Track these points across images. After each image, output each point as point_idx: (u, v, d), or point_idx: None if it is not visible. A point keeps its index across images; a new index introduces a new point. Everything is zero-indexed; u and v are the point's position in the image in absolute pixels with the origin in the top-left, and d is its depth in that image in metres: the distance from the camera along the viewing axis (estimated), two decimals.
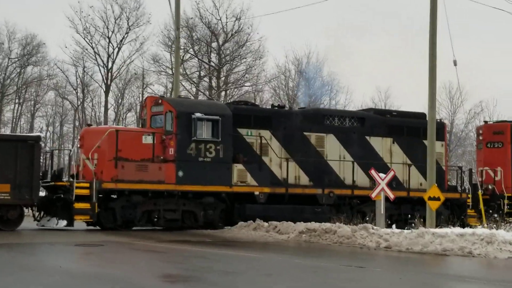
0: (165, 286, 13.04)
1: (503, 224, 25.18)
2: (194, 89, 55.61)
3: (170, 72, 54.44)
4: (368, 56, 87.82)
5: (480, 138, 34.67)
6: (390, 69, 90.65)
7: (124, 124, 61.21)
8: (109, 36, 58.42)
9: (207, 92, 54.50)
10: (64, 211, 25.52)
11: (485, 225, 25.50)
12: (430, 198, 25.39)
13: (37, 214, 26.16)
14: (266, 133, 28.76)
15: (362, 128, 30.71)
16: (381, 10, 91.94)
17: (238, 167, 27.78)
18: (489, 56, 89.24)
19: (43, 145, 60.48)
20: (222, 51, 55.26)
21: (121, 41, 58.86)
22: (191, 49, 55.39)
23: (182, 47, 50.07)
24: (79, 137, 28.58)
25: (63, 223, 25.35)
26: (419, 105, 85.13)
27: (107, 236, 23.10)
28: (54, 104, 67.26)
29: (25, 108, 65.58)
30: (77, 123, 62.73)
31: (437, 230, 22.00)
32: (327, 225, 24.03)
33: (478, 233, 20.76)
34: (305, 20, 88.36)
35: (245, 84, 57.83)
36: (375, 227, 23.07)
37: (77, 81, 62.96)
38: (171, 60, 54.01)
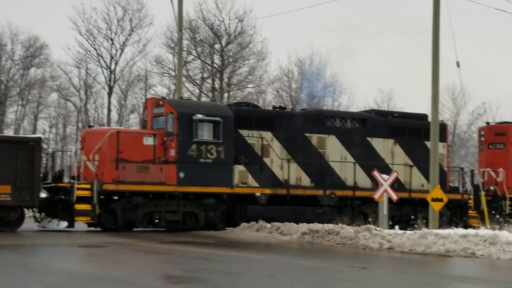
0: (168, 287, 13.08)
1: (506, 225, 25.17)
2: (197, 91, 55.63)
3: (173, 73, 54.43)
4: (370, 57, 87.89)
5: (482, 139, 34.64)
6: (393, 70, 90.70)
7: (127, 125, 61.14)
8: (112, 37, 58.38)
9: (210, 94, 54.52)
10: (64, 212, 25.55)
11: (488, 226, 25.48)
12: (433, 199, 25.41)
13: (38, 215, 26.19)
14: (268, 135, 28.76)
15: (364, 129, 30.69)
16: (383, 10, 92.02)
17: (239, 168, 27.78)
18: (485, 55, 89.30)
19: (46, 146, 60.82)
20: (225, 53, 55.25)
21: (124, 42, 58.81)
22: (194, 51, 55.40)
23: (185, 49, 50.18)
24: (80, 139, 28.61)
25: (63, 224, 25.37)
26: (422, 106, 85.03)
27: (109, 237, 23.11)
28: (57, 106, 67.16)
29: (28, 109, 65.50)
30: (80, 125, 62.68)
31: (440, 231, 22.03)
32: (330, 226, 24.06)
33: (481, 234, 20.79)
34: (308, 21, 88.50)
35: (248, 86, 57.82)
36: (378, 228, 23.11)
37: (80, 83, 63.01)
38: (174, 61, 54.04)
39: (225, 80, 55.58)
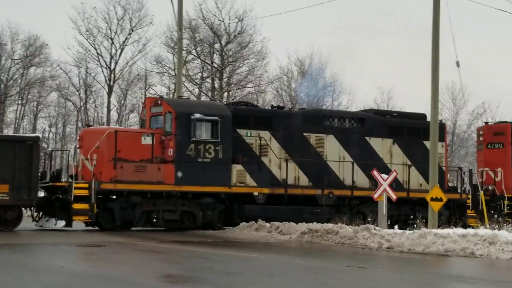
0: (166, 286, 13.06)
1: (505, 224, 25.17)
2: (196, 90, 55.58)
3: (172, 73, 54.43)
4: (370, 57, 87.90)
5: (481, 139, 34.64)
6: (394, 70, 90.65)
7: (127, 125, 61.16)
8: (112, 37, 58.39)
9: (209, 93, 54.47)
10: (62, 211, 25.54)
11: (487, 226, 25.48)
12: (432, 199, 25.36)
13: (35, 214, 26.20)
14: (266, 134, 28.74)
15: (362, 129, 30.68)
16: (382, 10, 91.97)
17: (237, 168, 27.77)
18: (484, 54, 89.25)
19: (45, 146, 60.88)
20: (225, 52, 55.23)
21: (124, 42, 58.80)
22: (194, 50, 55.36)
23: (184, 48, 50.14)
24: (78, 138, 28.61)
25: (61, 223, 25.37)
26: (422, 105, 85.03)
27: (108, 236, 23.10)
28: (57, 105, 67.21)
29: (28, 109, 65.61)
30: (79, 124, 62.69)
31: (439, 230, 22.02)
32: (329, 225, 24.05)
33: (480, 234, 20.79)
34: (308, 21, 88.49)
35: (248, 85, 57.78)
36: (377, 228, 23.11)
37: (79, 82, 63.01)
38: (173, 61, 54.00)
39: (225, 79, 55.55)
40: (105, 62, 58.54)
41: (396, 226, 25.05)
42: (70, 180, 25.75)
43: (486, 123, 37.02)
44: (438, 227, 25.46)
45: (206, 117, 27.11)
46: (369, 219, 26.32)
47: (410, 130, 31.48)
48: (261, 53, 56.49)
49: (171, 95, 53.18)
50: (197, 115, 26.93)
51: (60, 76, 62.79)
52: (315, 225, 24.45)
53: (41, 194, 26.98)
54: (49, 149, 57.05)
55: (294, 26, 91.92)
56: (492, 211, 31.12)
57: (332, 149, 29.98)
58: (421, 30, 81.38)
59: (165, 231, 26.38)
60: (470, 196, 32.12)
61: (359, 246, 21.84)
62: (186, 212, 27.23)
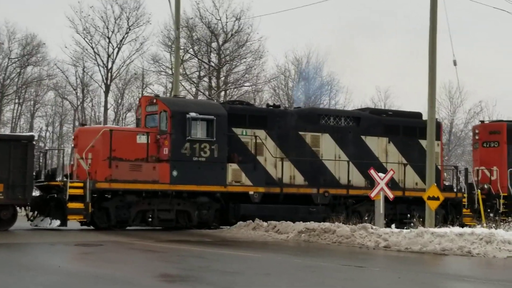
0: (164, 285, 13.05)
1: (502, 223, 25.18)
2: (194, 89, 55.58)
3: (170, 72, 54.39)
4: (369, 56, 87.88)
5: (476, 137, 34.63)
6: (392, 69, 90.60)
7: (124, 124, 61.16)
8: (109, 36, 58.40)
9: (206, 92, 54.46)
10: (57, 211, 25.48)
11: (485, 225, 25.48)
12: (429, 198, 25.33)
13: (30, 214, 26.13)
14: (261, 133, 28.72)
15: (358, 127, 30.66)
16: (382, 9, 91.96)
17: (232, 167, 27.75)
18: (482, 53, 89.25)
19: (42, 145, 60.83)
20: (222, 51, 55.24)
21: (121, 41, 58.82)
22: (191, 49, 55.36)
23: (182, 47, 50.02)
24: (73, 137, 28.57)
25: (56, 223, 25.30)
26: (421, 105, 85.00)
27: (105, 236, 23.08)
28: (54, 104, 67.31)
29: (25, 108, 65.62)
30: (76, 123, 62.68)
31: (436, 229, 22.03)
32: (326, 224, 24.06)
33: (477, 233, 20.80)
34: (305, 20, 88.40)
35: (245, 84, 57.82)
36: (374, 227, 23.13)
37: (77, 81, 63.05)
38: (171, 60, 53.97)
39: (222, 78, 55.54)
40: (102, 61, 58.62)
41: (393, 225, 25.05)
42: (65, 179, 25.72)
43: (482, 121, 37.03)
44: (435, 226, 25.45)
45: (202, 116, 27.08)
46: (366, 218, 26.28)
47: (406, 129, 31.47)
48: (258, 52, 56.61)
49: (168, 94, 53.12)
50: (193, 114, 26.91)
51: (57, 75, 62.96)
52: (312, 224, 24.45)
53: (36, 193, 26.93)
54: (46, 148, 57.08)
55: (292, 25, 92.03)
56: (489, 210, 31.11)
57: (327, 148, 29.96)
58: (421, 29, 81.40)
59: (162, 231, 26.37)
60: (465, 195, 32.12)
61: (356, 245, 21.85)
62: (182, 211, 27.20)
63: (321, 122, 30.10)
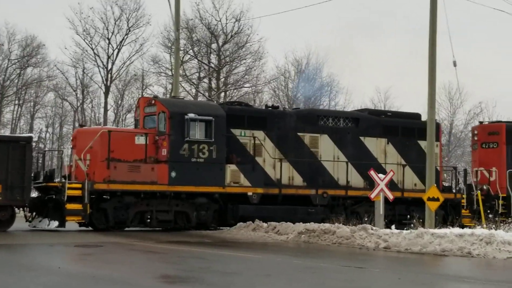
0: (164, 286, 13.06)
1: (501, 224, 25.16)
2: (193, 90, 55.58)
3: (169, 73, 54.39)
4: (369, 56, 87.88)
5: (475, 138, 34.60)
6: (392, 69, 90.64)
7: (124, 125, 61.17)
8: (109, 37, 58.47)
9: (206, 93, 54.46)
10: (55, 212, 25.47)
11: (485, 226, 25.47)
12: (429, 199, 25.31)
13: (28, 215, 26.13)
14: (260, 134, 28.70)
15: (357, 128, 30.64)
16: (381, 9, 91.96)
17: (231, 168, 27.73)
18: (481, 54, 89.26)
19: (42, 146, 60.85)
20: (222, 52, 55.24)
21: (121, 42, 58.90)
22: (191, 50, 55.39)
23: (181, 48, 50.06)
24: (71, 138, 28.57)
25: (54, 224, 25.30)
26: (420, 105, 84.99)
27: (105, 237, 23.07)
28: (53, 105, 67.35)
29: (25, 109, 65.66)
30: (76, 124, 62.69)
31: (436, 230, 22.03)
32: (326, 225, 24.06)
33: (477, 234, 20.79)
34: (305, 21, 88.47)
35: (245, 85, 57.81)
36: (374, 228, 23.12)
37: (76, 83, 63.13)
38: (170, 61, 53.97)
39: (222, 79, 55.54)
40: (102, 62, 58.68)
41: (393, 226, 25.05)
42: (63, 180, 25.70)
43: (481, 122, 37.02)
44: (434, 227, 25.44)
45: (200, 117, 27.07)
46: (366, 219, 26.26)
47: (405, 130, 31.45)
48: (258, 53, 56.63)
49: (168, 95, 53.13)
50: (191, 115, 26.89)
51: (57, 76, 63.01)
52: (312, 225, 24.44)
53: (34, 194, 26.92)
54: (46, 149, 57.13)
55: (291, 26, 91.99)
56: (489, 211, 31.09)
57: (326, 149, 29.94)
58: (420, 29, 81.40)
59: (162, 232, 26.35)
60: (464, 196, 32.09)
61: (356, 246, 21.85)
62: (180, 212, 27.19)
63: (319, 123, 30.08)
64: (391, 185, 29.33)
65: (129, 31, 58.81)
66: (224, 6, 54.83)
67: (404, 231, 22.44)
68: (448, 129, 67.46)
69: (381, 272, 16.32)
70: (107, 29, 58.27)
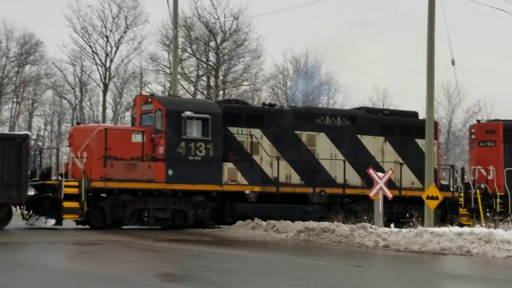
0: (163, 285, 13.05)
1: (501, 223, 25.16)
2: (192, 88, 55.52)
3: (168, 71, 54.37)
4: (369, 54, 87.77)
5: (473, 137, 34.58)
6: (391, 67, 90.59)
7: (122, 123, 61.16)
8: (107, 35, 58.36)
9: (205, 91, 54.41)
10: (52, 210, 25.45)
11: (483, 224, 25.47)
12: (428, 197, 25.29)
13: (25, 213, 26.08)
14: (257, 132, 28.66)
15: (354, 126, 30.60)
16: (381, 7, 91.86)
17: (228, 166, 27.69)
18: (480, 53, 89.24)
19: (41, 144, 60.78)
20: (220, 50, 55.15)
21: (119, 40, 58.79)
22: (189, 48, 55.29)
23: (180, 46, 50.00)
24: (68, 136, 28.53)
25: (51, 222, 25.26)
26: (419, 103, 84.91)
27: (103, 235, 23.07)
28: (52, 103, 67.29)
29: (23, 107, 65.60)
30: (75, 122, 62.67)
31: (436, 229, 22.06)
32: (326, 224, 24.07)
33: (476, 232, 20.82)
34: (304, 19, 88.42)
35: (243, 84, 57.72)
36: (373, 226, 23.16)
37: (75, 80, 63.06)
38: (169, 59, 53.91)
39: (220, 77, 55.48)
40: (100, 60, 58.59)
41: (392, 225, 25.05)
42: (60, 178, 25.67)
43: (478, 121, 37.02)
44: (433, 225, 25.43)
45: (197, 115, 27.03)
46: (365, 218, 26.24)
47: (402, 128, 31.40)
48: (257, 51, 56.51)
49: (166, 93, 53.08)
50: (188, 113, 26.86)
51: (55, 74, 62.92)
52: (311, 224, 24.47)
53: (31, 192, 26.87)
54: (45, 146, 57.07)
55: (290, 24, 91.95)
56: (487, 210, 31.09)
57: (323, 147, 29.90)
58: (420, 25, 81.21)
59: (161, 230, 26.34)
60: (462, 194, 32.07)
61: (355, 244, 21.87)
62: (177, 211, 27.15)
63: (317, 121, 30.04)
64: (389, 184, 29.31)
65: (127, 29, 58.76)
66: (222, 4, 54.78)
67: (403, 230, 22.46)
68: (446, 128, 67.45)
69: (380, 270, 16.32)
70: (105, 27, 58.23)
